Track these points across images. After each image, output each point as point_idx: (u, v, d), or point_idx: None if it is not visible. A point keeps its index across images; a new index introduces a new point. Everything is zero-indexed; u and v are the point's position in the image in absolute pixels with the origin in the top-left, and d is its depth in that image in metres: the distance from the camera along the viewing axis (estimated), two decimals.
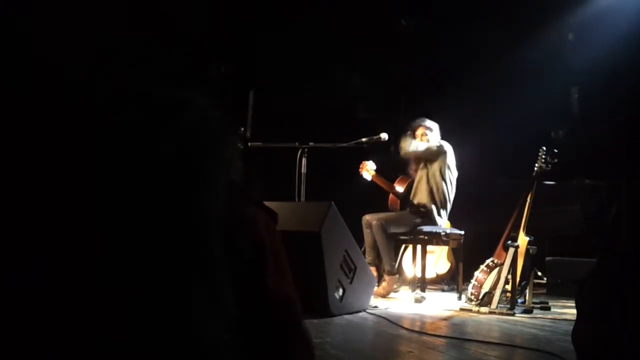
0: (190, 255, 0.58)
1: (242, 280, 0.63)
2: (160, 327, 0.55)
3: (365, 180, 5.60)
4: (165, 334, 0.55)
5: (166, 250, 0.56)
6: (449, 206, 5.35)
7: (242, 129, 4.64)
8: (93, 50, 0.60)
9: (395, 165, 5.77)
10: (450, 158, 5.29)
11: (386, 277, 5.11)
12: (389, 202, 5.61)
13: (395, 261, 5.32)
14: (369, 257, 5.05)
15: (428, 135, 5.36)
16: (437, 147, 5.25)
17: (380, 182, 5.70)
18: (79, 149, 0.54)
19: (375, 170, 5.61)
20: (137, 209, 0.55)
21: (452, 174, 5.33)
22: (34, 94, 0.55)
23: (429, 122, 5.43)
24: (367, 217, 5.18)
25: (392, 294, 5.21)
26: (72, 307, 0.51)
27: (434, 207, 5.23)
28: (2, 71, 0.55)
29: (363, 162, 5.61)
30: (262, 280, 0.66)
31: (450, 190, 5.32)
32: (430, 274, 5.79)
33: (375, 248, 5.12)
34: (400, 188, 5.67)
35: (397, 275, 5.31)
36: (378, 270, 5.15)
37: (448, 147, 5.30)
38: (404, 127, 5.44)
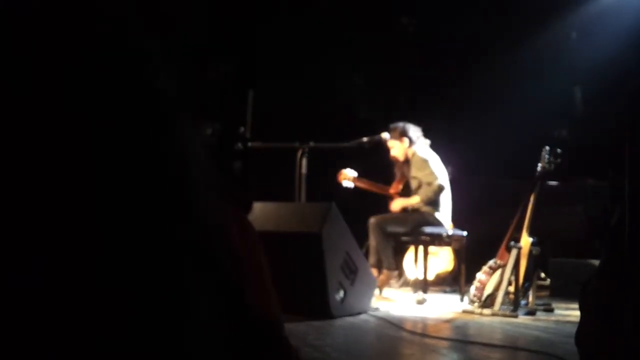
0: (185, 255, 0.57)
1: (218, 299, 0.60)
2: (157, 329, 0.54)
3: (348, 189, 5.44)
4: (160, 337, 0.54)
5: (164, 251, 0.55)
6: (449, 205, 5.30)
7: (242, 128, 4.62)
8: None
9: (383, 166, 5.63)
10: (436, 166, 5.22)
11: (384, 271, 5.09)
12: (389, 204, 5.55)
13: (394, 258, 5.25)
14: (371, 259, 5.02)
15: (409, 147, 5.25)
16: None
17: (367, 185, 5.55)
18: (77, 146, 0.53)
19: (359, 175, 5.49)
20: (135, 210, 0.53)
21: (443, 175, 5.26)
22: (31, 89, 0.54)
23: (410, 132, 5.24)
24: (371, 219, 5.15)
25: (392, 294, 5.17)
26: (72, 307, 0.50)
27: (434, 211, 5.19)
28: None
29: (340, 171, 5.44)
30: (237, 298, 0.63)
31: (446, 191, 5.28)
32: (431, 276, 5.75)
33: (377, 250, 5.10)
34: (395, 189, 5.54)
35: (396, 272, 5.25)
36: (380, 272, 5.12)
37: (429, 157, 5.21)
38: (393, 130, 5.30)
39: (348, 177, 5.45)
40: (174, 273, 0.55)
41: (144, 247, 0.53)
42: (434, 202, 5.18)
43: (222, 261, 0.61)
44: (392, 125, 5.31)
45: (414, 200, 5.17)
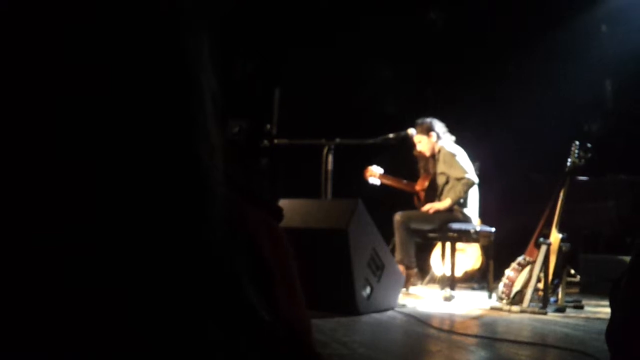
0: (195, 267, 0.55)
1: (243, 304, 0.59)
2: (178, 330, 0.52)
3: (374, 185, 5.44)
4: (168, 339, 0.52)
5: (177, 251, 0.54)
6: (476, 201, 5.24)
7: (268, 125, 4.63)
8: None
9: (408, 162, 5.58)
10: (464, 161, 5.15)
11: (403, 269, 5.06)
12: (415, 201, 5.52)
13: (415, 257, 5.21)
14: (397, 256, 5.00)
15: (436, 142, 5.20)
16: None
17: (393, 182, 5.53)
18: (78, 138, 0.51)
19: (385, 172, 5.48)
20: (139, 208, 0.52)
21: (472, 170, 5.20)
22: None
23: (437, 127, 5.20)
24: (396, 216, 5.13)
25: (419, 291, 5.15)
26: (73, 307, 0.49)
27: (461, 207, 5.14)
28: None
29: (367, 168, 5.45)
30: (269, 305, 0.61)
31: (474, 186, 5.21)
32: (459, 272, 5.71)
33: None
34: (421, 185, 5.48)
35: (415, 270, 5.21)
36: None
37: (457, 151, 5.16)
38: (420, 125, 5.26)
39: (374, 173, 5.45)
40: (189, 271, 0.53)
41: (155, 246, 0.51)
42: (465, 200, 5.13)
43: (243, 261, 0.59)
44: (418, 121, 5.28)
45: (446, 203, 5.08)
